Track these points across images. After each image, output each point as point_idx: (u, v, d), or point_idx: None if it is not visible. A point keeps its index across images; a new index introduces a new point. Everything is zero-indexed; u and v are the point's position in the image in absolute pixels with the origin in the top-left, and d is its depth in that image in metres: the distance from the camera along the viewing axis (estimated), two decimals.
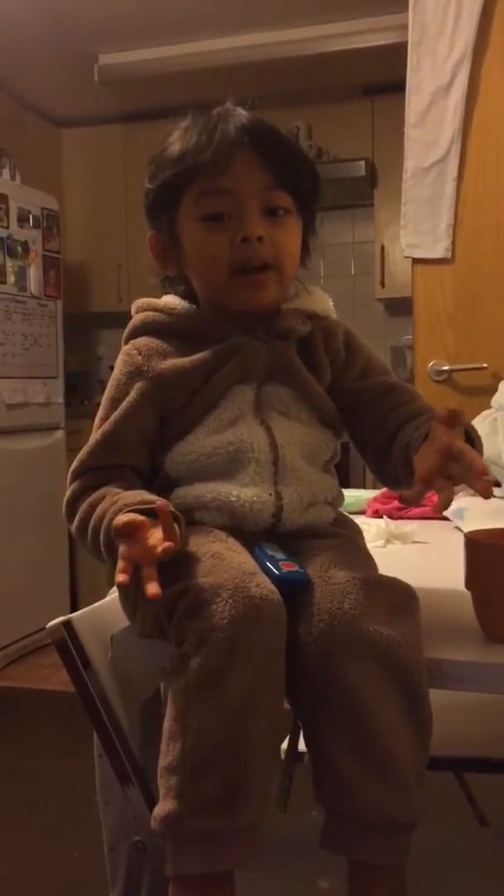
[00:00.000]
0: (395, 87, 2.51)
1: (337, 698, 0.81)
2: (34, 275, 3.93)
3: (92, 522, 0.92)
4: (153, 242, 1.04)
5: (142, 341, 1.01)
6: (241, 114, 0.97)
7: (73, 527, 0.96)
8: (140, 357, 1.00)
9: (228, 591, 0.79)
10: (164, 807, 0.80)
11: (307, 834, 1.11)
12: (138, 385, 0.98)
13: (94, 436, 0.99)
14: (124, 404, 0.98)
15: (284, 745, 1.48)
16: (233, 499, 0.94)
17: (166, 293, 1.07)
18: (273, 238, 0.96)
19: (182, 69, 4.01)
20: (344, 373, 1.04)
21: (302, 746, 1.48)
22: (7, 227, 3.75)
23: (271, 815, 1.30)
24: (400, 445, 0.95)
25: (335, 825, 0.83)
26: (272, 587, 0.82)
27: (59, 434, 4.11)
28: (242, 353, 0.98)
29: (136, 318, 1.04)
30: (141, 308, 1.05)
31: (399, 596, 0.85)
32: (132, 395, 0.98)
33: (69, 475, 0.99)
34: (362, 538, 1.04)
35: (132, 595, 0.94)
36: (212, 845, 0.79)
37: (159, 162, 1.00)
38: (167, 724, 0.81)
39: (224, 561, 0.85)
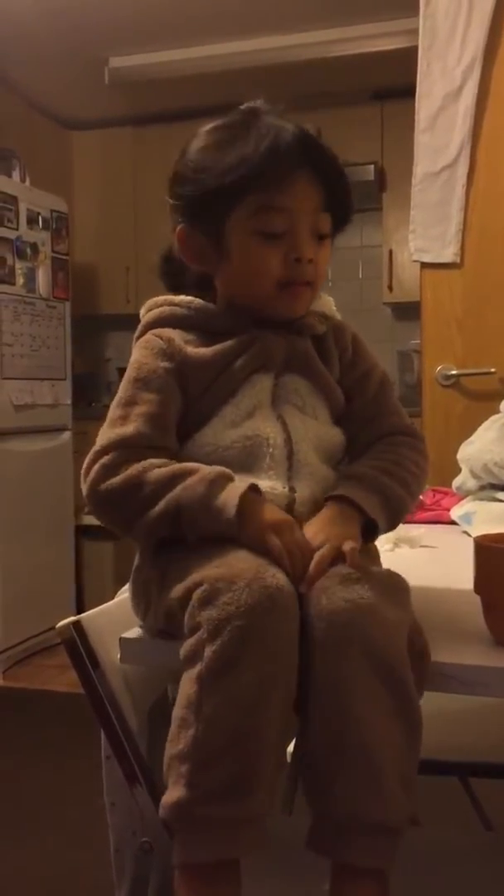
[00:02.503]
0: (405, 91, 2.51)
1: (321, 694, 0.81)
2: (43, 276, 3.94)
3: (164, 472, 0.90)
4: (187, 238, 1.02)
5: (160, 330, 1.01)
6: (293, 127, 0.97)
7: (117, 483, 0.91)
8: (161, 341, 1.00)
9: (245, 580, 0.80)
10: (173, 794, 0.80)
11: None
12: (164, 364, 0.98)
13: (135, 416, 0.95)
14: (156, 385, 0.97)
15: (290, 748, 1.48)
16: None
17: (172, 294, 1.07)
18: (317, 259, 0.99)
19: (192, 72, 4.02)
20: (348, 370, 1.06)
21: None
22: (16, 229, 3.76)
23: (277, 817, 1.30)
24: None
25: (318, 826, 0.84)
26: (286, 578, 0.83)
27: (67, 435, 4.11)
28: (262, 343, 1.00)
29: (153, 313, 1.04)
30: (156, 304, 1.05)
31: (389, 588, 0.85)
32: (160, 373, 0.97)
33: (97, 451, 0.94)
34: None
35: (143, 589, 0.94)
36: (219, 833, 0.79)
37: (207, 161, 0.98)
38: (178, 712, 0.81)
39: (239, 552, 0.85)
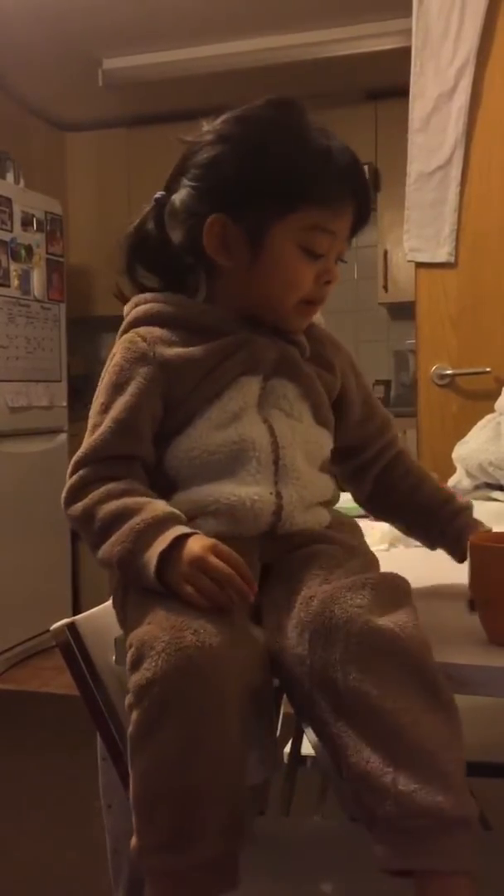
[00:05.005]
0: (399, 91, 2.51)
1: (350, 709, 0.80)
2: (38, 278, 3.94)
3: (111, 508, 0.91)
4: (224, 228, 0.97)
5: (145, 329, 0.99)
6: (348, 148, 0.98)
7: (78, 511, 0.94)
8: (144, 343, 0.97)
9: (162, 643, 0.80)
10: (132, 840, 0.82)
11: (310, 837, 1.11)
12: (144, 370, 0.96)
13: (105, 423, 0.95)
14: (132, 389, 0.95)
15: (287, 748, 1.48)
16: (233, 499, 0.93)
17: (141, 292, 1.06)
18: (336, 280, 1.01)
19: (186, 73, 4.02)
20: (354, 392, 1.09)
21: (304, 750, 1.48)
22: (11, 231, 3.76)
23: (274, 818, 1.30)
24: (441, 527, 1.11)
25: (385, 840, 0.78)
26: (215, 630, 0.81)
27: (62, 437, 4.11)
28: (254, 346, 0.99)
29: (139, 309, 1.02)
30: (144, 300, 1.03)
31: (391, 589, 0.85)
32: (139, 379, 0.96)
33: (73, 464, 0.96)
34: (359, 536, 1.04)
35: (119, 609, 0.94)
36: (172, 880, 0.81)
37: (263, 157, 0.95)
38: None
39: (165, 607, 0.84)
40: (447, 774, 0.77)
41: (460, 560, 1.08)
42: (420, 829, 0.76)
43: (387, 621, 0.81)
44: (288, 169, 0.95)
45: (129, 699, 0.82)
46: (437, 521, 1.10)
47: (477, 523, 1.10)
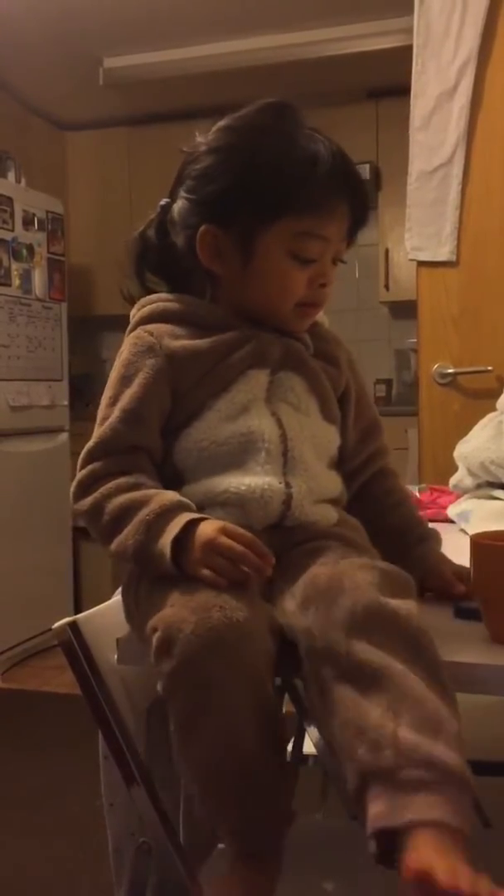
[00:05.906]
0: (400, 90, 2.51)
1: (354, 673, 0.78)
2: (39, 277, 3.94)
3: (120, 502, 0.91)
4: (214, 239, 0.99)
5: (152, 325, 1.01)
6: (338, 149, 0.97)
7: (87, 505, 0.94)
8: (151, 337, 0.99)
9: (191, 624, 0.79)
10: (220, 833, 0.85)
11: (310, 837, 1.11)
12: (151, 362, 0.97)
13: (114, 414, 0.96)
14: (140, 380, 0.97)
15: (288, 747, 1.48)
16: (243, 488, 0.94)
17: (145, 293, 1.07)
18: (332, 282, 1.01)
19: (187, 72, 4.02)
20: (359, 415, 1.09)
21: (306, 749, 1.48)
22: (12, 230, 3.76)
23: None
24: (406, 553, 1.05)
25: (380, 796, 0.74)
26: (238, 605, 0.81)
27: (64, 437, 4.11)
28: (258, 340, 1.00)
29: (145, 310, 1.03)
30: (149, 301, 1.04)
31: (398, 577, 0.86)
32: (146, 371, 0.97)
33: (83, 457, 0.96)
34: (363, 535, 1.04)
35: (132, 606, 0.94)
36: (263, 857, 0.83)
37: (247, 166, 0.96)
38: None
39: (191, 587, 0.84)
40: (449, 733, 0.75)
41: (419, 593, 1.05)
42: (417, 781, 0.73)
43: (394, 602, 0.81)
44: (271, 178, 0.96)
45: (164, 685, 0.81)
46: (401, 546, 1.07)
47: (439, 555, 1.06)
